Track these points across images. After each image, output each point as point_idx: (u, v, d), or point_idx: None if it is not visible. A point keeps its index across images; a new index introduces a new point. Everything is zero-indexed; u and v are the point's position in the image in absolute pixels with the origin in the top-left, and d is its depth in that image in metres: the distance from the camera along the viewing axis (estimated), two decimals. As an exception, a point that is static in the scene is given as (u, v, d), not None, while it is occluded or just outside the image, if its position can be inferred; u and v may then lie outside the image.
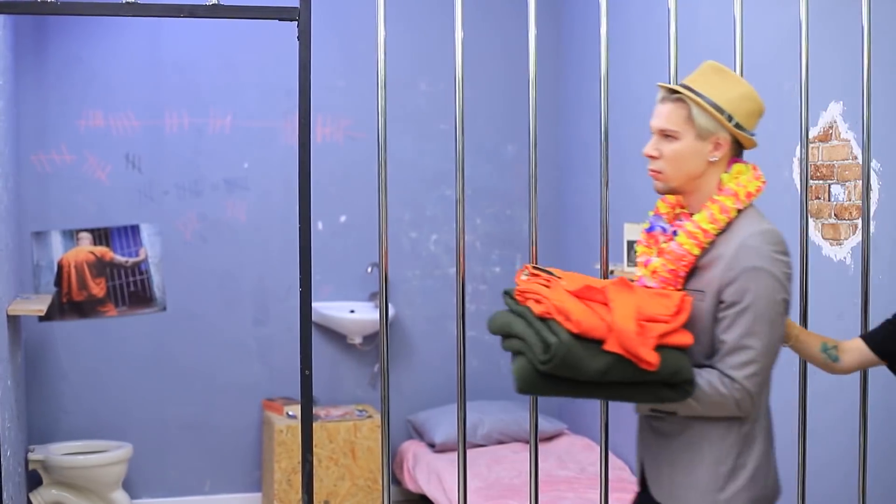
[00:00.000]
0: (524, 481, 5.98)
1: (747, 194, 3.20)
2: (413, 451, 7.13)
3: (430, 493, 6.61)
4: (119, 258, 6.99)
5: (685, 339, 3.03)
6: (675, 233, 3.27)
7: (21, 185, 6.85)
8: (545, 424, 7.07)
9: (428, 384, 7.46)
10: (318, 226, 7.27)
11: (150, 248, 7.10)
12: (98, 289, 6.95)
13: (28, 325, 6.85)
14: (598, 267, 3.84)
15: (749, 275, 3.05)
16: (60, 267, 6.96)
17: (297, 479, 6.62)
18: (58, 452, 6.69)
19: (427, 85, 7.48)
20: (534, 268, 3.26)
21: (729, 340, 3.06)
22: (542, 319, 3.00)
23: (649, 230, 3.40)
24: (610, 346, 2.91)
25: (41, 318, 6.83)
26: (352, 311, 7.32)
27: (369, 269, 7.41)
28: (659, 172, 3.25)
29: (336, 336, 7.39)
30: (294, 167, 3.63)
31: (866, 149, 3.78)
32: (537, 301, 3.05)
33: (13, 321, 6.08)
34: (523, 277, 3.22)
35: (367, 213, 6.98)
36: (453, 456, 6.46)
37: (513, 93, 7.28)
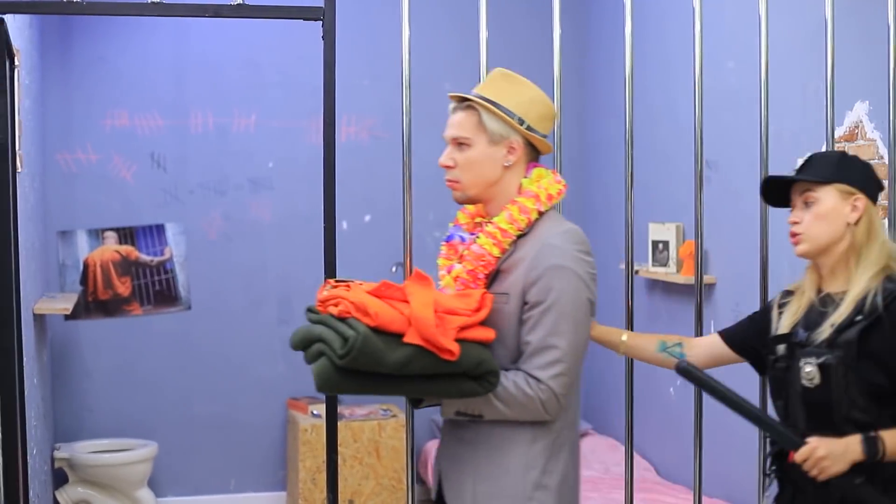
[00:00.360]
0: (548, 481, 5.96)
1: (548, 196, 3.17)
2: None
3: (454, 492, 6.60)
4: (144, 257, 7.01)
5: (487, 334, 2.97)
6: (448, 237, 3.28)
7: (47, 184, 6.88)
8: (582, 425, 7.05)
9: (452, 384, 7.45)
10: (342, 225, 7.28)
11: (175, 247, 7.12)
12: (123, 288, 6.98)
13: (54, 323, 6.88)
14: (624, 267, 3.83)
15: (552, 273, 2.99)
16: (86, 266, 6.98)
17: (322, 478, 6.62)
18: (83, 451, 6.71)
19: (451, 85, 7.45)
20: (336, 281, 3.21)
21: (534, 341, 2.99)
22: (342, 319, 2.94)
23: (448, 239, 3.32)
24: (409, 337, 2.86)
25: (67, 317, 6.86)
26: (376, 311, 7.32)
27: (393, 269, 7.41)
28: (456, 182, 3.20)
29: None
30: (318, 166, 3.63)
31: (893, 148, 3.75)
32: (336, 304, 3.00)
33: (39, 320, 6.10)
34: (325, 293, 3.13)
35: (391, 212, 6.97)
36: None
37: (537, 92, 7.27)
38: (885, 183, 3.60)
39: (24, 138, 5.62)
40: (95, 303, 6.98)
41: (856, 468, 2.94)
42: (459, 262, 3.21)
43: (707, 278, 5.49)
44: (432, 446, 7.22)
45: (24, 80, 5.70)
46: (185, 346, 7.19)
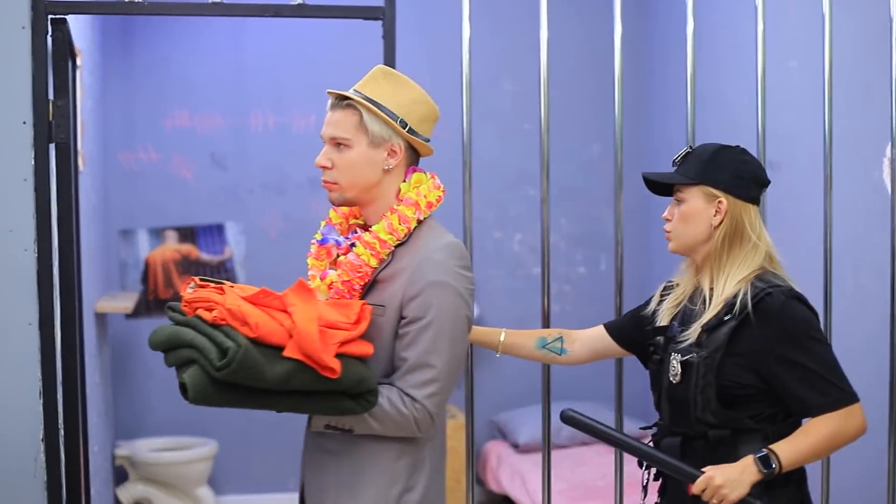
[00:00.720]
0: (609, 483, 5.93)
1: (428, 204, 3.07)
2: (497, 451, 7.12)
3: (514, 494, 6.60)
4: (204, 256, 7.05)
5: (366, 349, 2.88)
6: (353, 245, 3.09)
7: (108, 183, 6.93)
8: (630, 425, 7.01)
9: (512, 385, 7.42)
10: (401, 225, 7.27)
11: (235, 246, 7.15)
12: (184, 287, 7.00)
13: (115, 322, 6.92)
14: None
15: (433, 290, 2.89)
16: (147, 265, 7.03)
17: (380, 478, 6.62)
18: (144, 449, 6.75)
19: (511, 84, 7.46)
20: (201, 279, 2.99)
21: (410, 358, 2.89)
22: (216, 326, 2.77)
23: (322, 242, 3.20)
24: (290, 351, 2.73)
25: (128, 316, 6.91)
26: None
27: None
28: (334, 183, 3.06)
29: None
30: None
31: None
32: (209, 308, 2.83)
33: (101, 318, 6.15)
34: (189, 290, 2.96)
35: (450, 212, 6.96)
36: (537, 457, 6.44)
37: (598, 92, 7.22)
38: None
39: (87, 138, 5.66)
40: (156, 301, 7.02)
41: (757, 487, 2.93)
42: (333, 268, 3.14)
43: (769, 279, 5.44)
44: (492, 447, 7.21)
45: (87, 80, 5.74)
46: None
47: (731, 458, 2.97)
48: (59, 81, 3.54)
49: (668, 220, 3.18)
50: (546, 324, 3.72)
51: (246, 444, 7.21)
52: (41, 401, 3.42)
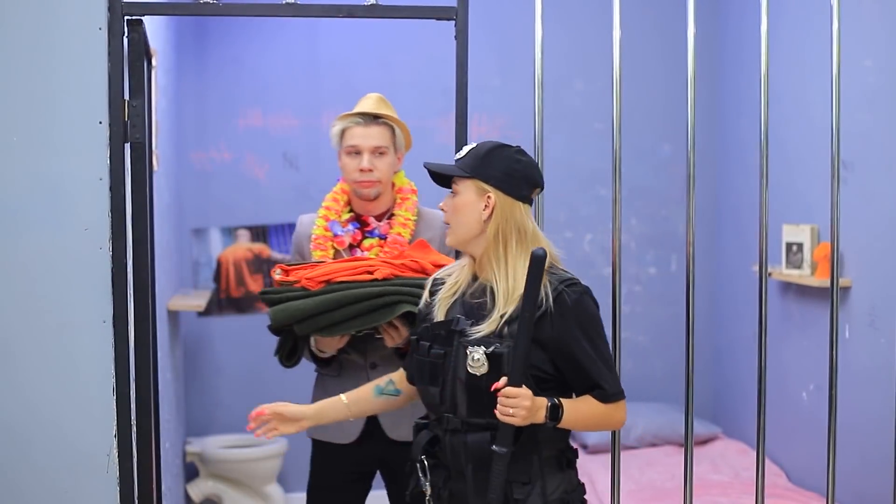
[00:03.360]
0: (677, 485, 5.91)
1: (412, 189, 4.15)
2: (565, 452, 7.10)
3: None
4: (276, 255, 7.08)
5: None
6: (371, 233, 4.02)
7: (181, 182, 6.98)
8: (699, 428, 6.97)
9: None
10: (471, 225, 7.28)
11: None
12: (255, 285, 7.06)
13: (187, 320, 6.98)
14: (757, 269, 3.78)
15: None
16: (219, 263, 7.08)
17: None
18: (214, 445, 6.80)
19: (583, 84, 7.44)
20: (287, 266, 3.84)
21: None
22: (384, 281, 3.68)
23: (337, 234, 4.05)
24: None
25: (200, 314, 6.96)
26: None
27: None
28: (378, 182, 4.02)
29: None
30: (449, 167, 3.64)
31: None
32: (370, 271, 3.70)
33: (173, 316, 6.20)
34: (277, 275, 3.82)
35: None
36: (606, 458, 6.42)
37: (670, 91, 7.19)
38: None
39: (161, 138, 5.72)
40: (228, 300, 7.08)
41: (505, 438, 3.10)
42: (346, 251, 4.03)
43: (842, 281, 5.39)
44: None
45: (161, 80, 5.80)
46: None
47: (531, 443, 3.17)
48: (135, 82, 3.58)
49: (444, 210, 3.34)
50: (617, 324, 3.72)
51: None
52: (114, 397, 3.46)
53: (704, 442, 7.01)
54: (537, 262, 3.04)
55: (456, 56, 3.64)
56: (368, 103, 4.11)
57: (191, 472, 6.89)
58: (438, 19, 3.66)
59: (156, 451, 3.99)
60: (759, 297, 3.76)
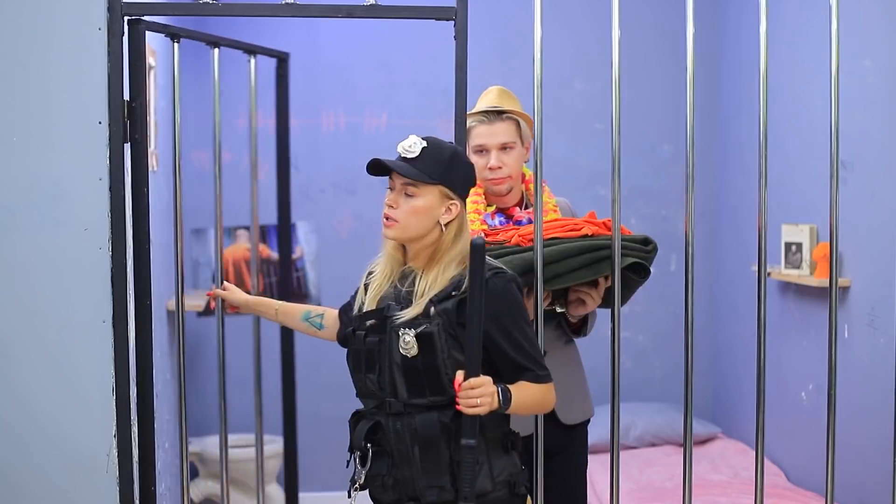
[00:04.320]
0: (677, 485, 5.92)
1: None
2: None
3: (582, 493, 6.58)
4: (276, 255, 7.08)
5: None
6: (519, 223, 3.96)
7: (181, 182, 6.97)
8: (699, 428, 6.97)
9: (580, 385, 7.41)
10: (472, 225, 7.28)
11: (307, 245, 7.19)
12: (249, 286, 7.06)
13: (186, 320, 6.97)
14: (756, 269, 3.78)
15: None
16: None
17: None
18: (214, 445, 6.80)
19: (582, 84, 7.44)
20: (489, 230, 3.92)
21: None
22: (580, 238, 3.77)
23: (493, 226, 3.97)
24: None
25: (199, 314, 6.96)
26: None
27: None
28: (509, 177, 3.99)
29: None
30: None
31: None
32: (578, 227, 3.82)
33: (172, 316, 6.20)
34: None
35: (520, 212, 6.97)
36: (605, 458, 6.42)
37: (669, 91, 7.19)
38: None
39: (160, 138, 5.72)
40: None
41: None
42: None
43: (841, 281, 5.39)
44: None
45: (161, 80, 5.80)
46: (315, 344, 7.21)
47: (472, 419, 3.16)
48: (134, 82, 3.58)
49: (392, 206, 3.33)
50: (616, 323, 3.72)
51: (314, 441, 7.24)
52: (114, 397, 3.47)
53: (704, 442, 7.01)
54: (479, 250, 3.10)
55: (455, 56, 3.64)
56: (491, 98, 4.06)
57: (190, 472, 6.89)
58: (438, 19, 3.66)
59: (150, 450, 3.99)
60: (759, 296, 3.76)
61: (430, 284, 3.27)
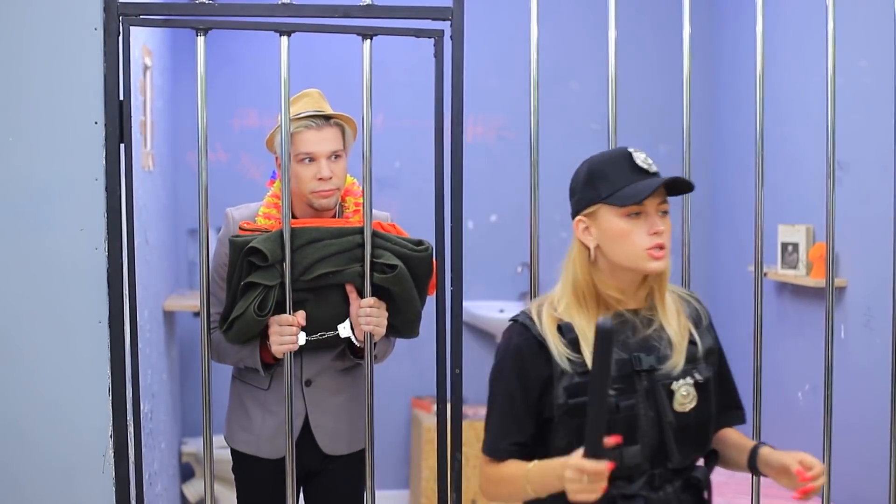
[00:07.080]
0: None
1: (352, 183, 3.92)
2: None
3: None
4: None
5: None
6: None
7: (177, 183, 6.98)
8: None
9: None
10: (468, 225, 7.28)
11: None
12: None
13: (182, 320, 6.97)
14: (752, 269, 3.78)
15: None
16: (215, 264, 7.07)
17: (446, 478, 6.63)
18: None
19: (579, 84, 7.44)
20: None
21: None
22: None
23: None
24: None
25: (196, 314, 6.95)
26: (501, 311, 7.32)
27: (519, 269, 7.40)
28: (338, 189, 3.90)
29: (484, 335, 7.39)
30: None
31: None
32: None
33: (168, 316, 6.20)
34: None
35: (517, 212, 6.97)
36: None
37: (665, 92, 7.19)
38: None
39: (156, 138, 5.71)
40: (224, 300, 7.06)
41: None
42: None
43: (838, 281, 5.40)
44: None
45: (157, 80, 5.79)
46: (311, 344, 7.24)
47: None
48: (129, 82, 3.58)
49: (659, 233, 3.01)
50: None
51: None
52: (110, 397, 3.46)
53: (700, 442, 7.00)
54: (607, 336, 2.48)
55: (452, 56, 3.64)
56: (312, 101, 3.90)
57: (186, 473, 6.88)
58: (434, 20, 3.66)
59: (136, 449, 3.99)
60: (755, 297, 3.76)
61: (670, 322, 2.94)
